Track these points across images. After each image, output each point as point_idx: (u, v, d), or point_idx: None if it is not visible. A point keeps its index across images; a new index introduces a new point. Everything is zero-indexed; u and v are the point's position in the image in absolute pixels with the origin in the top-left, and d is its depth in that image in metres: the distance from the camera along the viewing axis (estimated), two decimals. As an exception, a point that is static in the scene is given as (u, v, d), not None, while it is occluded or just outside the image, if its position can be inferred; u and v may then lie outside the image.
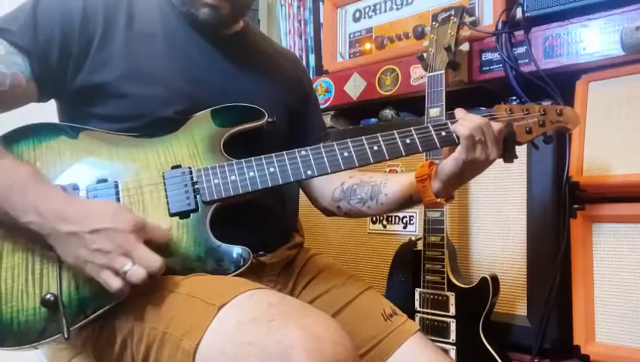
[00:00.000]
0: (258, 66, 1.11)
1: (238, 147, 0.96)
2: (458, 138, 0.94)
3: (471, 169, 0.96)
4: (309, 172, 0.93)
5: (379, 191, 1.09)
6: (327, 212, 1.20)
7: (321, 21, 2.00)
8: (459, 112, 1.00)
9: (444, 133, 0.97)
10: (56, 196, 0.82)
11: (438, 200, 0.99)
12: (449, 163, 0.96)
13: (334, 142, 0.95)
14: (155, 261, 0.79)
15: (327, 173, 0.95)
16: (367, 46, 1.74)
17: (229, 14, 1.01)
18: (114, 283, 0.77)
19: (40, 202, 0.79)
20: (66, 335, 0.78)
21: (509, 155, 1.00)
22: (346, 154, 0.94)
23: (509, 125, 0.99)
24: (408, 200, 1.06)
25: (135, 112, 0.93)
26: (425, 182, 0.99)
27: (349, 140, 0.95)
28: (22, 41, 0.89)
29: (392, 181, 1.09)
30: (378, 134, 0.96)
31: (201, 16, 0.99)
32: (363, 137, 0.95)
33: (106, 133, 0.92)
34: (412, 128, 0.97)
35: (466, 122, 0.94)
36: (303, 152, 0.94)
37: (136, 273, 0.77)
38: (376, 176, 1.12)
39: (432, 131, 0.97)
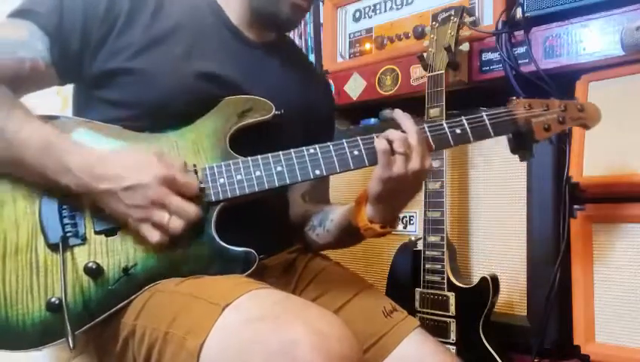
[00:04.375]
0: (286, 76, 1.08)
1: (245, 144, 0.94)
2: None
3: (399, 186, 0.87)
4: (317, 171, 0.89)
5: (326, 217, 1.05)
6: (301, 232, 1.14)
7: (321, 21, 1.99)
8: (397, 113, 0.91)
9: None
10: (86, 154, 0.83)
11: (372, 226, 0.91)
12: (373, 183, 0.88)
13: (344, 140, 0.90)
14: (191, 209, 0.83)
15: (336, 173, 0.90)
16: (367, 46, 1.73)
17: (303, 15, 1.03)
18: (154, 235, 0.81)
19: (72, 163, 0.81)
20: (71, 345, 0.77)
21: (523, 153, 0.95)
22: (356, 152, 0.89)
23: (527, 123, 0.94)
24: (347, 227, 0.99)
25: (145, 98, 0.92)
26: (360, 205, 0.91)
27: (359, 138, 0.89)
28: (48, 25, 0.89)
29: (341, 206, 1.04)
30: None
31: (283, 16, 0.99)
32: (374, 135, 0.89)
33: (112, 127, 0.91)
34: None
35: (384, 134, 0.87)
36: (312, 150, 0.89)
37: (175, 223, 0.82)
38: (335, 204, 1.07)
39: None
